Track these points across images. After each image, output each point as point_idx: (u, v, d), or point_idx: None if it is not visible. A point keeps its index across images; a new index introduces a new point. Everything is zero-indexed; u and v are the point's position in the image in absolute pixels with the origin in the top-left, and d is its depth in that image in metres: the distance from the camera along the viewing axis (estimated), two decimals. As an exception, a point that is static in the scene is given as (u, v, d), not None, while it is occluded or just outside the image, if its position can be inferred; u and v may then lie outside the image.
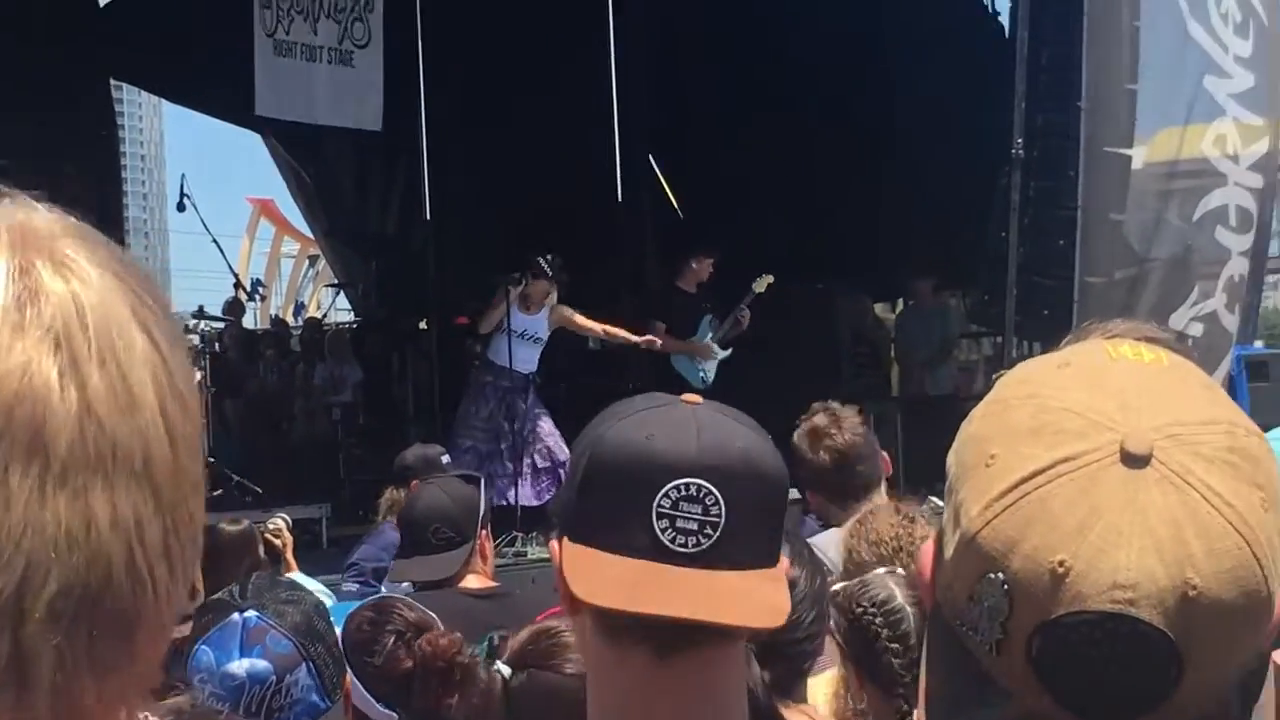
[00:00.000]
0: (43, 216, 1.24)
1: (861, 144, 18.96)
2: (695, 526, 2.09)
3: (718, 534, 2.10)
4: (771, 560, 2.18)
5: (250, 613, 3.31)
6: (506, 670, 3.22)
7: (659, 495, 2.08)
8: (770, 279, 15.95)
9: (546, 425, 14.32)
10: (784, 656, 3.41)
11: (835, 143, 19.10)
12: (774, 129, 19.56)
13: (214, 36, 18.97)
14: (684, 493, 2.08)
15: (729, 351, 16.00)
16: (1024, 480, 1.41)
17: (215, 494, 15.56)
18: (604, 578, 2.10)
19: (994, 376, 1.58)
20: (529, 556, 12.78)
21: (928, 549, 1.55)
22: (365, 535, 9.44)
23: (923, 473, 15.55)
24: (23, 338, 1.15)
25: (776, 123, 19.52)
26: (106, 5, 21.30)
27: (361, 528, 11.21)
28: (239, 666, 3.22)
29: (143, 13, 21.23)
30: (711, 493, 2.09)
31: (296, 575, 4.71)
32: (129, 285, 1.22)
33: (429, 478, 7.11)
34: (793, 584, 3.02)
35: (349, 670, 4.07)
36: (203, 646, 3.25)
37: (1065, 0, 13.77)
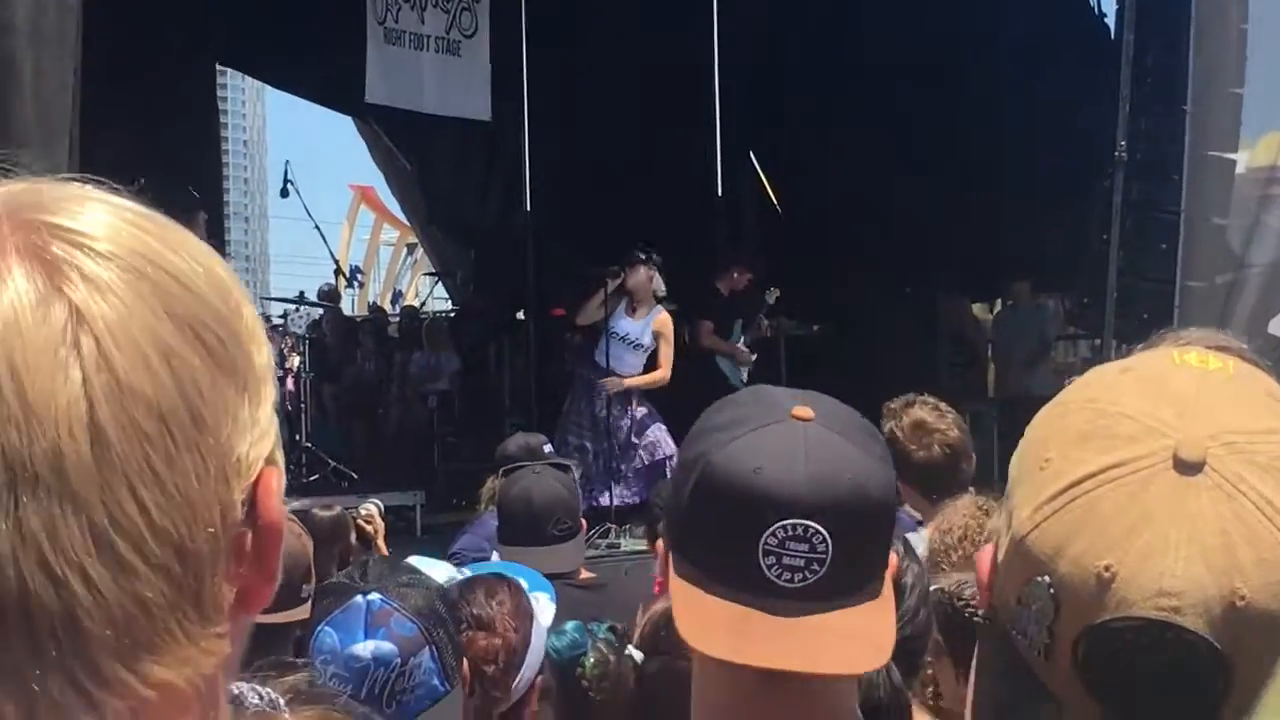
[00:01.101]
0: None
1: (962, 143, 18.86)
2: (801, 563, 2.08)
3: (824, 569, 2.08)
4: (876, 586, 2.17)
5: (373, 595, 3.28)
6: (639, 655, 3.22)
7: (766, 533, 2.07)
8: (777, 291, 16.70)
9: (650, 423, 14.31)
10: (901, 655, 3.43)
11: (936, 142, 19.01)
12: (875, 129, 19.50)
13: (319, 22, 19.07)
14: (791, 532, 2.07)
15: (755, 357, 16.55)
16: (1074, 484, 1.40)
17: (312, 479, 15.69)
18: (709, 621, 2.10)
19: (1066, 381, 1.56)
20: (622, 549, 12.82)
21: (986, 552, 1.52)
22: (466, 525, 9.41)
23: (1018, 474, 15.52)
24: None
25: (877, 122, 19.45)
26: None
27: (455, 516, 11.24)
28: (364, 648, 3.18)
29: (249, -2, 21.40)
30: (819, 532, 2.07)
31: (416, 559, 4.70)
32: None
33: (526, 467, 7.04)
34: (909, 586, 3.01)
35: None
36: (325, 629, 3.21)
37: (1172, 2, 13.64)
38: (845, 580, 2.11)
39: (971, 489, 5.90)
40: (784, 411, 2.18)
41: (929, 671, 4.13)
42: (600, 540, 12.74)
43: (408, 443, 18.85)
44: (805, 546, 2.07)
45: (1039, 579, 1.40)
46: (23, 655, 1.14)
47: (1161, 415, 1.41)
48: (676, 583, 2.15)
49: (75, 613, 1.14)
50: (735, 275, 16.48)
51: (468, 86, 16.89)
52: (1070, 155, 16.56)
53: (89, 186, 1.26)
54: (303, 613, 4.97)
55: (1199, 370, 1.47)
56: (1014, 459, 1.52)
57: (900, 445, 6.02)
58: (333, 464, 16.07)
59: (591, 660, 4.71)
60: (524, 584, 4.44)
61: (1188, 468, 1.37)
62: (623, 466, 14.08)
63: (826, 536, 2.08)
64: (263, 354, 1.27)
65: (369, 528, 9.55)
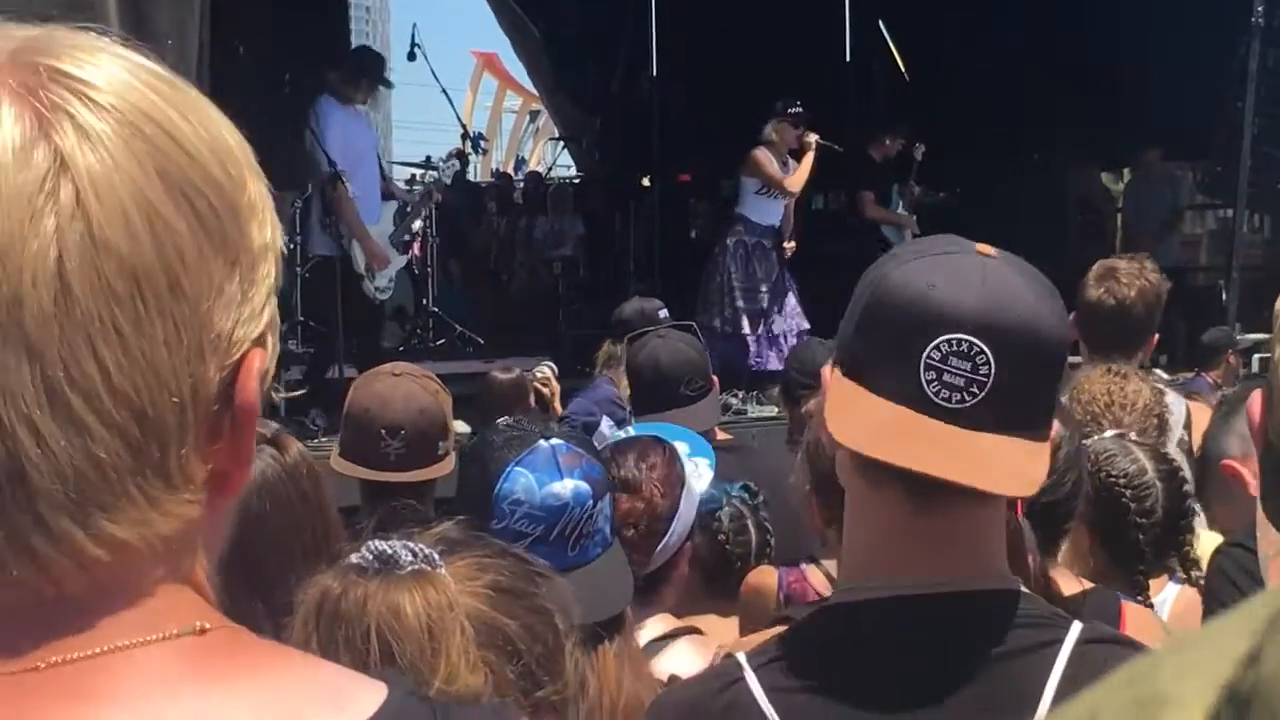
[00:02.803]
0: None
1: (1093, 10, 18.56)
2: (961, 383, 2.08)
3: (983, 393, 2.08)
4: (1038, 428, 2.16)
5: (556, 440, 3.26)
6: None
7: (930, 347, 2.08)
8: (923, 146, 16.60)
9: (791, 295, 14.32)
10: (1045, 519, 3.40)
11: (1066, 10, 18.72)
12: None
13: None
14: (954, 348, 2.07)
15: (915, 219, 16.61)
16: None
17: (438, 343, 15.76)
18: (860, 420, 2.11)
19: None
20: (749, 415, 12.78)
21: (1256, 396, 1.50)
22: (579, 389, 9.46)
23: (1146, 344, 15.40)
24: None
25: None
26: None
27: (579, 381, 11.28)
28: (563, 487, 3.12)
29: None
30: (983, 351, 2.07)
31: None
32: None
33: (651, 333, 7.01)
34: (1056, 446, 2.98)
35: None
36: (517, 469, 3.17)
37: None
38: (1005, 413, 2.11)
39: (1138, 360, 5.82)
40: (970, 246, 2.20)
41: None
42: (731, 399, 12.71)
43: (533, 308, 18.88)
44: (968, 365, 2.08)
45: None
46: None
47: None
48: (838, 382, 2.17)
49: (21, 465, 1.14)
50: (888, 142, 16.60)
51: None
52: (1206, 20, 16.25)
53: (109, 39, 1.23)
54: (442, 468, 4.99)
55: None
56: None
57: (1084, 285, 6.02)
58: (459, 329, 16.09)
59: (727, 516, 4.76)
60: (685, 447, 4.39)
61: None
62: (755, 326, 14.14)
63: (990, 359, 2.08)
64: (264, 232, 1.25)
65: (545, 390, 9.61)
